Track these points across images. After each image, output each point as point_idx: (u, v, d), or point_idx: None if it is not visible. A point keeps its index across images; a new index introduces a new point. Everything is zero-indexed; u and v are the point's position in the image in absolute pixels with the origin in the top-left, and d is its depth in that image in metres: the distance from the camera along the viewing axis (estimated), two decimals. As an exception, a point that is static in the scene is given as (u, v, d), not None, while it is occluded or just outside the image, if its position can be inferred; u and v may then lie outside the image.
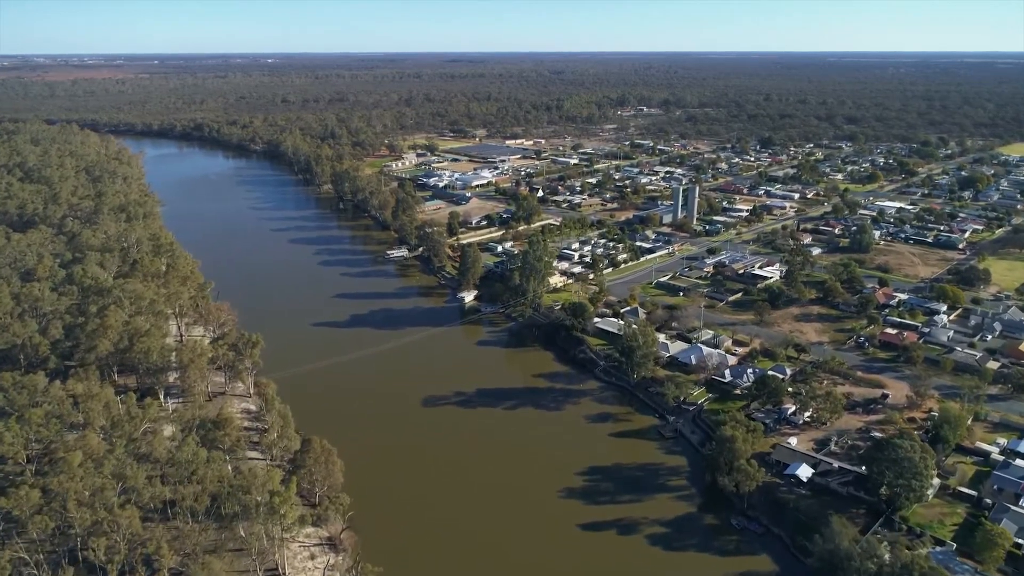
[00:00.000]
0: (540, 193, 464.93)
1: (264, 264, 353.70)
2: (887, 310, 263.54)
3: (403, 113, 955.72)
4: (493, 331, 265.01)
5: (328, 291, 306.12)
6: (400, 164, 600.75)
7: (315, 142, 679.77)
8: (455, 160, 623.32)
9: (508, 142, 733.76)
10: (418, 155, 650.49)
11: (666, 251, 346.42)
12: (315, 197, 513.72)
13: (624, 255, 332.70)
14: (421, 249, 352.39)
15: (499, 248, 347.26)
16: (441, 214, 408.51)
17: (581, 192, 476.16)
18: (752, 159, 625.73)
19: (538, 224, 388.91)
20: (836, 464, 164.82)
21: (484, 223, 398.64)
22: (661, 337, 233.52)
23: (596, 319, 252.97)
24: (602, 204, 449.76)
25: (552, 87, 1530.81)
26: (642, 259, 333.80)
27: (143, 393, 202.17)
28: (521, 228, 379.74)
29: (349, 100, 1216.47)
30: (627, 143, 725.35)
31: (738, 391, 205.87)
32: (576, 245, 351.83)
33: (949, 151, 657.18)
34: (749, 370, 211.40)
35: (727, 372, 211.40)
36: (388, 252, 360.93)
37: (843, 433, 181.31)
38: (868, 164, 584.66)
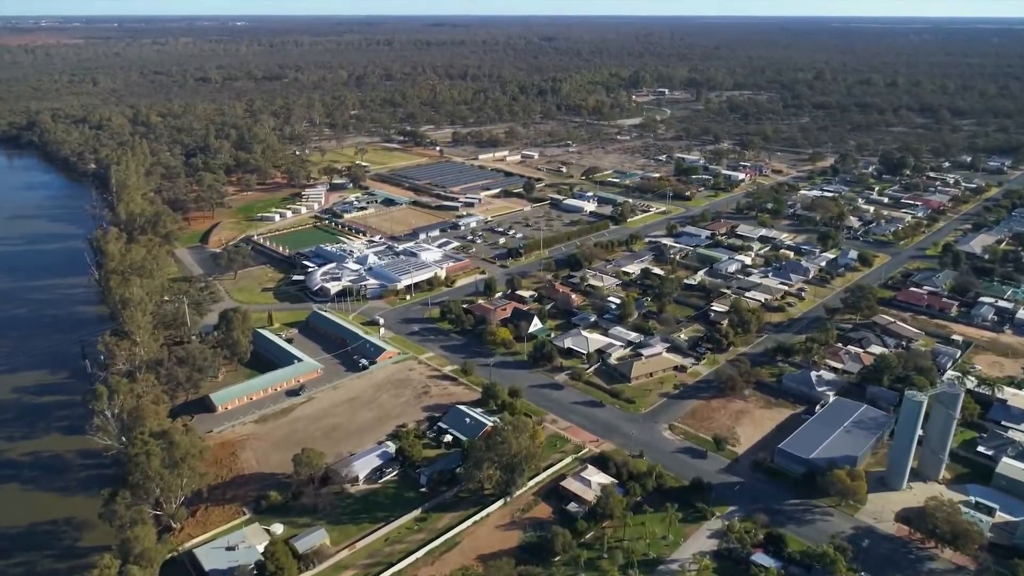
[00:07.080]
0: (536, 326, 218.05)
1: None
2: None
3: (343, 100, 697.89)
4: None
5: None
6: (290, 214, 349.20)
7: (178, 158, 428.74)
8: (388, 203, 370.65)
9: (482, 157, 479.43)
10: (332, 186, 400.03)
11: None
12: (97, 315, 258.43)
13: None
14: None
15: None
16: (275, 434, 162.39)
17: (622, 315, 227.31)
18: (883, 196, 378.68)
19: (539, 475, 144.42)
20: None
21: (388, 473, 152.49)
22: None
23: None
24: (677, 374, 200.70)
25: (543, 58, 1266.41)
26: None
27: None
28: (501, 514, 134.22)
29: (286, 78, 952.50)
30: (663, 158, 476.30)
31: None
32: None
33: None
34: None
35: None
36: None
37: None
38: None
